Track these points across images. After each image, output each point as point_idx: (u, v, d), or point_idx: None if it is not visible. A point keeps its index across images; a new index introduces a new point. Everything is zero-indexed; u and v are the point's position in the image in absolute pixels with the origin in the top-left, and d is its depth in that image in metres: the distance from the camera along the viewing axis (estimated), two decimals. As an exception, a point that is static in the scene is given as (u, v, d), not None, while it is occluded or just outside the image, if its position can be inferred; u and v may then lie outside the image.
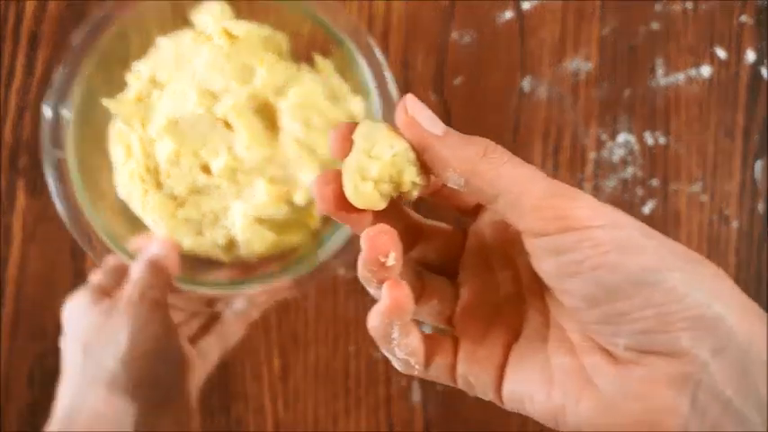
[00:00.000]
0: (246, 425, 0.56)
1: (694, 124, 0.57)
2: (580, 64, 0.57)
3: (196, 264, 0.50)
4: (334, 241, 0.49)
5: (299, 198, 0.48)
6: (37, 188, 0.56)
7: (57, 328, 0.56)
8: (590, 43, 0.57)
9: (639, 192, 0.57)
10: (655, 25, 0.57)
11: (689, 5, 0.57)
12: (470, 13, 0.57)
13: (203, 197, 0.49)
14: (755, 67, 0.57)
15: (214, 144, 0.48)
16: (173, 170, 0.48)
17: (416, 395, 0.56)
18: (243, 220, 0.48)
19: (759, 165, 0.57)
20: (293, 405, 0.57)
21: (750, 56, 0.57)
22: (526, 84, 0.57)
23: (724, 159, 0.57)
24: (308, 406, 0.57)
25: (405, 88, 0.56)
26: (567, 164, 0.57)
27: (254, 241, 0.48)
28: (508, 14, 0.57)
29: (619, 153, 0.57)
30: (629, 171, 0.57)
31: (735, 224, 0.57)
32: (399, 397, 0.56)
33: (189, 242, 0.49)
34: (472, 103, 0.57)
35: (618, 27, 0.57)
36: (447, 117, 0.57)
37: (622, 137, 0.57)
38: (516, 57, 0.57)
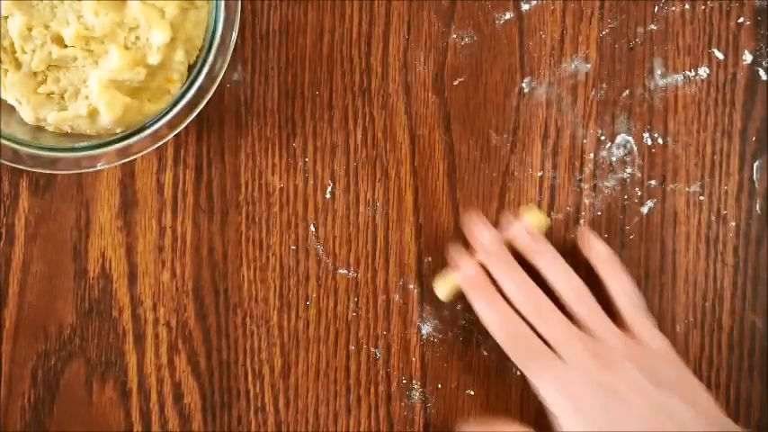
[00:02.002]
0: (248, 424, 0.57)
1: (693, 125, 0.57)
2: (579, 65, 0.57)
3: (62, 138, 0.52)
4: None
5: (153, 59, 0.51)
6: (39, 187, 0.56)
7: (58, 328, 0.56)
8: (589, 44, 0.57)
9: (638, 192, 0.57)
10: (653, 26, 0.57)
11: (687, 6, 0.57)
12: (470, 13, 0.57)
13: (62, 71, 0.51)
14: (753, 67, 0.57)
15: (63, 14, 0.50)
16: (26, 45, 0.50)
17: (417, 394, 0.57)
18: (98, 85, 0.50)
19: (757, 165, 0.57)
20: (294, 404, 0.57)
21: (747, 57, 0.57)
22: (525, 84, 0.57)
23: (722, 160, 0.57)
24: (308, 405, 0.57)
25: (405, 89, 0.57)
26: (566, 164, 0.57)
27: (112, 105, 0.50)
28: (508, 15, 0.57)
29: (617, 153, 0.57)
30: (628, 171, 0.57)
31: (733, 224, 0.57)
32: (400, 396, 0.57)
33: (53, 117, 0.51)
34: (472, 104, 0.57)
35: (617, 28, 0.57)
36: (447, 117, 0.57)
37: (621, 137, 0.57)
38: (516, 57, 0.57)
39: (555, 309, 0.52)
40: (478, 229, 0.55)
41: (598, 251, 0.54)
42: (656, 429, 0.49)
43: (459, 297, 0.54)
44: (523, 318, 0.52)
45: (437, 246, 0.57)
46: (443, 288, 0.55)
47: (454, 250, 0.55)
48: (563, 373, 0.50)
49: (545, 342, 0.51)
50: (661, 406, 0.49)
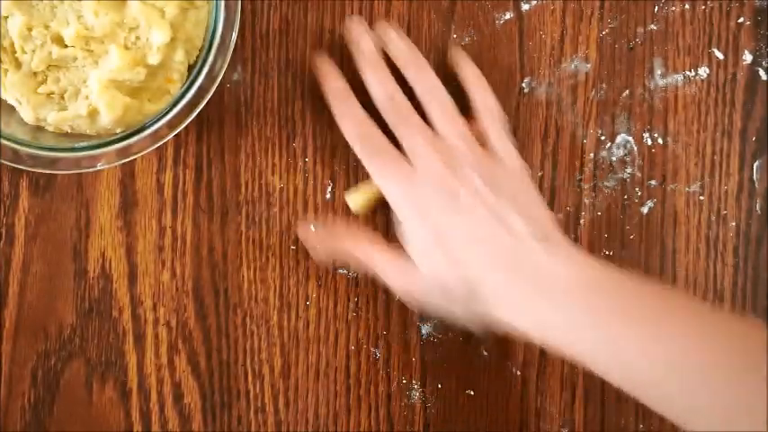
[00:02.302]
0: (248, 424, 0.57)
1: (693, 125, 0.57)
2: (579, 65, 0.57)
3: (62, 138, 0.52)
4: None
5: (153, 59, 0.51)
6: (39, 188, 0.56)
7: (58, 328, 0.56)
8: (589, 44, 0.57)
9: (638, 192, 0.57)
10: (653, 26, 0.57)
11: (687, 6, 0.57)
12: (470, 13, 0.57)
13: (62, 71, 0.51)
14: (753, 67, 0.57)
15: (63, 14, 0.50)
16: (26, 45, 0.50)
17: (416, 394, 0.57)
18: (98, 85, 0.50)
19: (757, 165, 0.57)
20: (294, 404, 0.57)
21: (747, 57, 0.57)
22: (525, 84, 0.57)
23: (722, 160, 0.57)
24: (308, 405, 0.57)
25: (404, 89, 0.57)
26: (566, 164, 0.57)
27: (112, 105, 0.51)
28: (508, 15, 0.57)
29: (617, 153, 0.57)
30: (628, 171, 0.57)
31: (733, 224, 0.57)
32: (400, 395, 0.57)
33: (53, 117, 0.51)
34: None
35: (617, 28, 0.57)
36: (447, 117, 0.57)
37: (621, 137, 0.57)
38: (516, 57, 0.57)
39: (414, 112, 0.53)
40: (358, 33, 0.55)
41: (464, 68, 0.55)
42: (492, 237, 0.50)
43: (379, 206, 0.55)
44: (385, 128, 0.53)
45: (437, 246, 0.57)
46: (357, 198, 0.55)
47: (320, 60, 0.55)
48: (410, 174, 0.51)
49: (399, 146, 0.53)
50: (499, 217, 0.50)
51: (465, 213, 0.50)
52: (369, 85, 0.53)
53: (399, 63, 0.54)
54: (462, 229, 0.50)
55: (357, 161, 0.57)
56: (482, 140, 0.53)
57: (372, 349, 0.57)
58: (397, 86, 0.53)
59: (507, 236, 0.50)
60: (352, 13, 0.56)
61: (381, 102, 0.53)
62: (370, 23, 0.56)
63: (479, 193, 0.51)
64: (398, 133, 0.53)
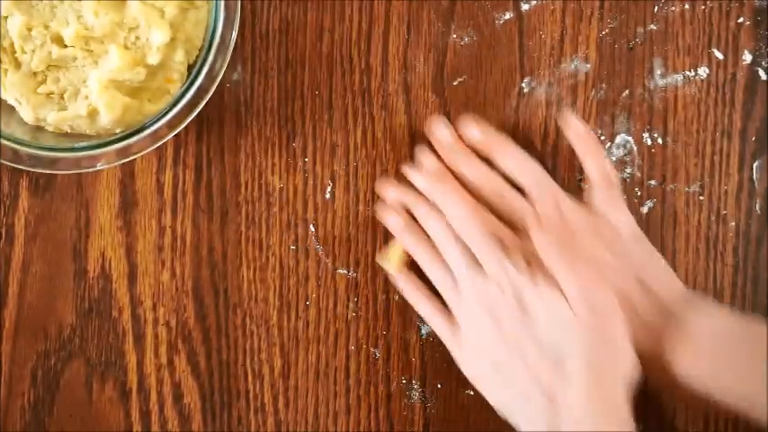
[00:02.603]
0: (248, 424, 0.57)
1: (692, 125, 0.57)
2: (579, 65, 0.57)
3: (62, 138, 0.52)
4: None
5: (153, 59, 0.51)
6: (39, 188, 0.56)
7: (58, 328, 0.56)
8: (589, 44, 0.57)
9: (638, 192, 0.57)
10: (653, 26, 0.57)
11: (687, 6, 0.57)
12: (470, 13, 0.57)
13: (62, 71, 0.51)
14: (753, 67, 0.57)
15: (63, 14, 0.50)
16: (26, 45, 0.50)
17: (416, 394, 0.57)
18: (98, 85, 0.50)
19: (757, 165, 0.57)
20: (294, 404, 0.57)
21: (747, 57, 0.57)
22: (525, 84, 0.57)
23: (722, 160, 0.57)
24: (308, 405, 0.57)
25: (405, 89, 0.57)
26: (566, 164, 0.57)
27: (112, 105, 0.51)
28: (508, 15, 0.57)
29: (617, 153, 0.57)
30: (628, 171, 0.57)
31: (733, 224, 0.57)
32: (399, 395, 0.57)
33: (53, 117, 0.51)
34: (472, 104, 0.57)
35: (617, 28, 0.57)
36: (447, 117, 0.57)
37: (621, 137, 0.57)
38: (515, 57, 0.57)
39: (510, 189, 0.54)
40: (437, 128, 0.56)
41: (575, 127, 0.55)
42: (630, 302, 0.51)
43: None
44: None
45: (437, 246, 0.57)
46: (392, 258, 0.55)
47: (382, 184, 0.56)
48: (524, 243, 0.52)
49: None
50: (625, 276, 0.52)
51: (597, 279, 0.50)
52: (467, 178, 0.54)
53: (485, 152, 0.55)
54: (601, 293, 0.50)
55: (357, 161, 0.57)
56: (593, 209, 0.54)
57: (372, 349, 0.57)
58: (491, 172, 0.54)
59: (635, 290, 0.52)
60: (352, 13, 0.56)
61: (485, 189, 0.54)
62: (370, 23, 0.56)
63: (601, 257, 0.52)
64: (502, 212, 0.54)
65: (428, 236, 0.54)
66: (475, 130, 0.55)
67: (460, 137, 0.55)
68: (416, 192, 0.55)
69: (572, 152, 0.57)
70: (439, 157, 0.55)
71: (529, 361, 0.49)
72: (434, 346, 0.56)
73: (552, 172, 0.57)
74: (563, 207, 0.53)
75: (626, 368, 0.49)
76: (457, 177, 0.54)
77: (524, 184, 0.54)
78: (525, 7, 0.57)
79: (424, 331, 0.56)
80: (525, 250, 0.51)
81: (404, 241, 0.55)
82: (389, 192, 0.56)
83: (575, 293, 0.48)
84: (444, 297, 0.53)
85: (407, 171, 0.56)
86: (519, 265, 0.50)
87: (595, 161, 0.54)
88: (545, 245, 0.50)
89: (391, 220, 0.55)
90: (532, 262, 0.50)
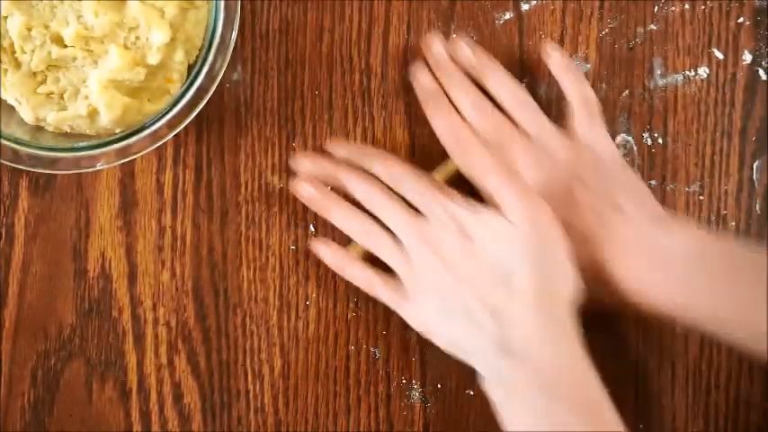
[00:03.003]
0: (248, 424, 0.57)
1: (692, 125, 0.57)
2: (579, 65, 0.57)
3: (62, 138, 0.52)
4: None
5: (153, 59, 0.51)
6: (39, 188, 0.56)
7: (58, 328, 0.56)
8: (589, 44, 0.57)
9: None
10: (653, 26, 0.57)
11: (687, 7, 0.57)
12: (470, 13, 0.57)
13: (62, 71, 0.51)
14: (753, 67, 0.57)
15: (63, 14, 0.50)
16: (26, 45, 0.50)
17: (416, 394, 0.57)
18: (98, 85, 0.50)
19: (757, 165, 0.57)
20: (294, 404, 0.57)
21: (747, 57, 0.57)
22: (525, 84, 0.57)
23: (722, 160, 0.57)
24: (308, 405, 0.57)
25: (405, 89, 0.57)
26: (566, 164, 0.57)
27: (112, 105, 0.51)
28: (508, 15, 0.57)
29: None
30: (628, 171, 0.57)
31: (733, 224, 0.57)
32: (399, 395, 0.57)
33: (53, 117, 0.51)
34: (472, 104, 0.57)
35: (616, 28, 0.57)
36: (447, 117, 0.57)
37: (621, 137, 0.57)
38: (516, 57, 0.57)
39: (496, 111, 0.54)
40: (433, 45, 0.56)
41: (555, 58, 0.55)
42: (601, 220, 0.51)
43: None
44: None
45: (437, 246, 0.57)
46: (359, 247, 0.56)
47: (414, 66, 0.56)
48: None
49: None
50: (611, 204, 0.52)
51: (567, 203, 0.51)
52: (453, 97, 0.55)
53: (473, 72, 0.55)
54: (568, 218, 0.51)
55: (357, 161, 0.57)
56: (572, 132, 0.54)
57: (372, 349, 0.57)
58: (478, 92, 0.55)
59: (616, 216, 0.51)
60: (352, 13, 0.56)
61: (465, 108, 0.55)
62: (370, 23, 0.56)
63: (577, 180, 0.52)
64: (485, 132, 0.54)
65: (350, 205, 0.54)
66: (467, 50, 0.55)
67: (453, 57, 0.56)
68: (332, 160, 0.55)
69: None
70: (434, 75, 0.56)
71: (475, 284, 0.49)
72: (434, 346, 0.56)
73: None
74: (545, 130, 0.53)
75: (568, 283, 0.50)
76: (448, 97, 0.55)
77: (508, 105, 0.54)
78: (525, 7, 0.57)
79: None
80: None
81: (328, 213, 0.55)
82: (304, 164, 0.56)
83: (517, 210, 0.50)
84: (387, 259, 0.53)
85: (327, 144, 0.56)
86: (458, 200, 0.51)
87: (577, 88, 0.55)
88: (489, 166, 0.51)
89: (306, 191, 0.55)
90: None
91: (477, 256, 0.50)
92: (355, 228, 0.54)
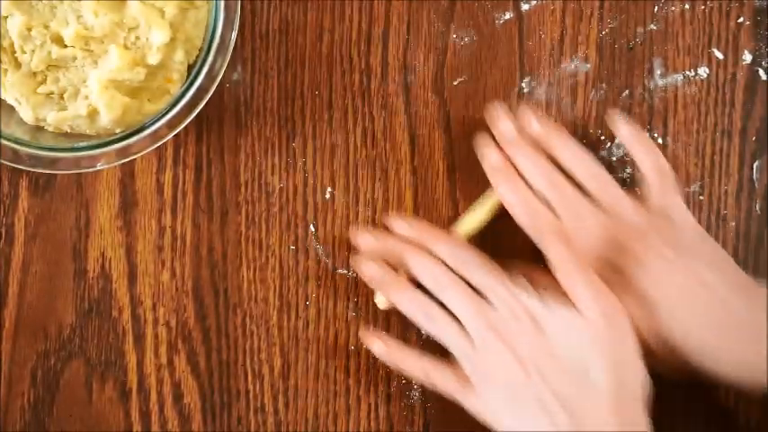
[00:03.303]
0: (248, 424, 0.57)
1: (692, 125, 0.57)
2: (579, 65, 0.57)
3: (62, 138, 0.52)
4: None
5: (153, 59, 0.51)
6: (39, 188, 0.56)
7: (58, 328, 0.56)
8: (589, 44, 0.57)
9: (638, 192, 0.57)
10: (653, 26, 0.57)
11: (687, 7, 0.57)
12: (470, 13, 0.57)
13: (62, 71, 0.51)
14: (753, 67, 0.57)
15: (63, 14, 0.50)
16: (26, 45, 0.50)
17: (416, 394, 0.57)
18: (98, 85, 0.50)
19: (757, 165, 0.57)
20: (294, 404, 0.57)
21: (747, 57, 0.57)
22: (525, 84, 0.57)
23: (722, 160, 0.57)
24: (308, 405, 0.57)
25: (405, 89, 0.57)
26: (566, 164, 0.57)
27: (112, 105, 0.51)
28: (508, 15, 0.57)
29: (617, 153, 0.57)
30: (628, 171, 0.57)
31: (733, 224, 0.57)
32: (400, 396, 0.57)
33: (53, 117, 0.51)
34: (472, 104, 0.57)
35: (616, 28, 0.57)
36: (447, 117, 0.57)
37: (621, 137, 0.57)
38: (515, 57, 0.57)
39: (568, 184, 0.53)
40: (500, 119, 0.55)
41: (624, 130, 0.55)
42: (688, 292, 0.50)
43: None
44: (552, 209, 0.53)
45: (437, 246, 0.57)
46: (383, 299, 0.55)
47: (480, 139, 0.55)
48: (578, 243, 0.52)
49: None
50: (691, 271, 0.51)
51: (650, 279, 0.51)
52: (523, 170, 0.54)
53: (543, 144, 0.54)
54: (654, 287, 0.51)
55: (357, 161, 0.57)
56: (648, 203, 0.53)
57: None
58: (549, 164, 0.54)
59: (701, 289, 0.50)
60: (352, 13, 0.56)
61: (537, 181, 0.54)
62: (370, 23, 0.56)
63: (661, 250, 0.51)
64: (558, 207, 0.53)
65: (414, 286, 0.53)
66: (535, 123, 0.54)
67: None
68: (395, 238, 0.54)
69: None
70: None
71: (548, 377, 0.48)
72: (434, 346, 0.56)
73: (552, 172, 0.57)
74: (620, 202, 0.53)
75: (641, 381, 0.49)
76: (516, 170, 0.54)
77: (581, 177, 0.53)
78: (525, 7, 0.57)
79: (423, 331, 0.56)
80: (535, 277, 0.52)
81: (389, 294, 0.54)
82: (366, 239, 0.55)
83: (591, 305, 0.49)
84: (451, 346, 0.52)
85: (390, 220, 0.55)
86: (527, 288, 0.50)
87: (651, 159, 0.54)
88: (564, 255, 0.50)
89: (368, 269, 0.54)
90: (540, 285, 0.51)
91: (551, 350, 0.49)
92: (418, 311, 0.53)
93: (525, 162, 0.54)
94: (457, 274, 0.52)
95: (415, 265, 0.53)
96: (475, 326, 0.50)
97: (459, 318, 0.51)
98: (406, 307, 0.53)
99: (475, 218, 0.55)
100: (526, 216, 0.53)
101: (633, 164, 0.57)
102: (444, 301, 0.52)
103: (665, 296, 0.51)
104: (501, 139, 0.55)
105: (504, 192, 0.54)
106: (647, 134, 0.56)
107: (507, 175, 0.54)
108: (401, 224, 0.55)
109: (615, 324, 0.49)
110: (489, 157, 0.55)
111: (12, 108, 0.52)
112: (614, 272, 0.52)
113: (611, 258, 0.52)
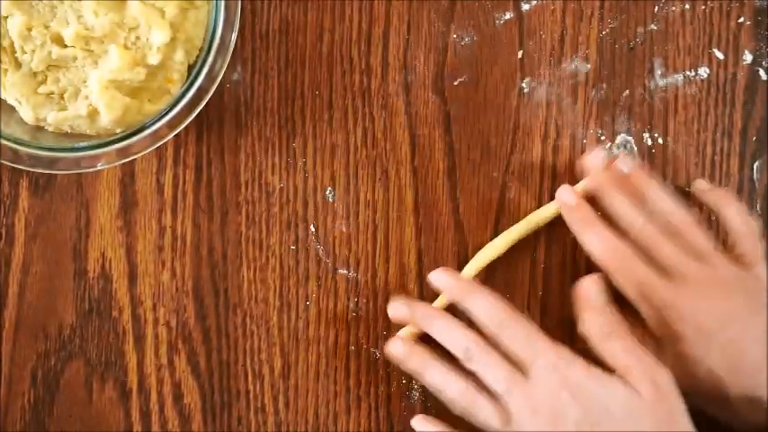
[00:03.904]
0: (248, 424, 0.57)
1: (693, 125, 0.57)
2: (579, 65, 0.57)
3: (62, 138, 0.52)
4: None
5: (153, 59, 0.51)
6: (39, 188, 0.56)
7: (58, 328, 0.56)
8: (589, 44, 0.57)
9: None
10: (653, 26, 0.57)
11: (687, 6, 0.57)
12: (470, 13, 0.57)
13: (62, 71, 0.51)
14: (753, 67, 0.57)
15: (63, 14, 0.50)
16: (26, 45, 0.50)
17: (416, 394, 0.57)
18: (98, 85, 0.50)
19: (757, 165, 0.57)
20: (294, 404, 0.57)
21: (747, 57, 0.57)
22: (525, 84, 0.57)
23: (722, 160, 0.57)
24: (308, 405, 0.57)
25: (405, 89, 0.57)
26: (566, 164, 0.57)
27: (112, 106, 0.51)
28: (508, 15, 0.57)
29: (618, 153, 0.57)
30: (628, 171, 0.57)
31: (733, 224, 0.57)
32: (399, 395, 0.57)
33: (53, 117, 0.51)
34: (472, 104, 0.57)
35: (617, 28, 0.57)
36: (447, 117, 0.57)
37: (621, 137, 0.57)
38: (516, 57, 0.57)
39: (659, 234, 0.52)
40: (593, 179, 0.54)
41: (711, 195, 0.55)
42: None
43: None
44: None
45: (437, 246, 0.57)
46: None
47: (562, 191, 0.54)
48: (672, 292, 0.50)
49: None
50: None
51: (748, 328, 0.49)
52: (617, 214, 0.53)
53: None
54: (749, 340, 0.49)
55: (357, 161, 0.57)
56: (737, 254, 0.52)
57: (372, 349, 0.57)
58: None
59: None
60: (352, 13, 0.56)
61: (632, 227, 0.53)
62: (370, 23, 0.56)
63: (754, 306, 0.50)
64: (656, 254, 0.52)
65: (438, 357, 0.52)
66: (625, 167, 0.54)
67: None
68: (426, 308, 0.54)
69: (573, 152, 0.57)
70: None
71: None
72: (434, 347, 0.56)
73: (552, 173, 0.57)
74: (715, 259, 0.51)
75: None
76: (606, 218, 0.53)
77: (675, 228, 0.52)
78: (525, 7, 0.57)
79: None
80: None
81: (422, 375, 0.52)
82: (399, 309, 0.54)
83: (643, 378, 0.47)
84: (485, 424, 0.50)
85: (430, 275, 0.54)
86: (567, 356, 0.48)
87: (742, 220, 0.53)
88: (599, 328, 0.49)
89: (398, 349, 0.53)
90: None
91: (597, 425, 0.46)
92: (450, 389, 0.51)
93: (619, 209, 0.53)
94: (493, 342, 0.50)
95: (444, 336, 0.52)
96: (512, 402, 0.48)
97: (495, 393, 0.49)
98: (438, 385, 0.52)
99: (490, 252, 0.55)
100: (616, 264, 0.51)
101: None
102: (479, 375, 0.50)
103: (758, 351, 0.49)
104: (596, 190, 0.54)
105: (591, 242, 0.52)
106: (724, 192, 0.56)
107: (593, 224, 0.52)
108: (442, 278, 0.54)
109: (668, 400, 0.47)
110: (578, 209, 0.53)
111: (12, 108, 0.52)
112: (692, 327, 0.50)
113: (702, 308, 0.50)
